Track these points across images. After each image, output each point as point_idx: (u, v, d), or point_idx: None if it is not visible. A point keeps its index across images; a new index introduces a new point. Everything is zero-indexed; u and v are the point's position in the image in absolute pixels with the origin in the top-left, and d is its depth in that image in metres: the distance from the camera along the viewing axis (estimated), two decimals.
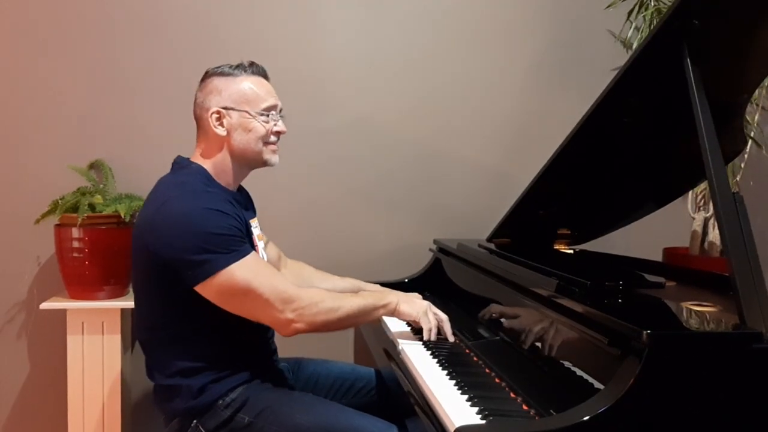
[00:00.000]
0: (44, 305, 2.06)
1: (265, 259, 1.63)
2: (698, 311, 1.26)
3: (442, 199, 2.47)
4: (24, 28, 2.23)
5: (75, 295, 2.09)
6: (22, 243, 2.24)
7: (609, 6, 2.34)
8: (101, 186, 2.20)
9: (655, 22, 2.19)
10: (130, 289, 2.20)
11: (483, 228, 2.12)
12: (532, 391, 1.26)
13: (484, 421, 1.13)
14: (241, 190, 1.64)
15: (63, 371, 2.10)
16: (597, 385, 1.13)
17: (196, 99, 1.55)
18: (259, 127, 1.51)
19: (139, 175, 2.26)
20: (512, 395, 1.28)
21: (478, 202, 2.47)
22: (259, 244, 1.61)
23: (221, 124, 1.50)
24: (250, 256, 1.40)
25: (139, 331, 1.55)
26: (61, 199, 2.09)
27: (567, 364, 1.24)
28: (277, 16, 2.35)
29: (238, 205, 1.52)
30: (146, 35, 2.28)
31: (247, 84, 1.52)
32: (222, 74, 1.52)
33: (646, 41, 1.30)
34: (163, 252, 1.37)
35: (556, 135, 1.67)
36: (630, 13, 2.31)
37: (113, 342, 2.08)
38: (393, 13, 2.40)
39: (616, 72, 1.39)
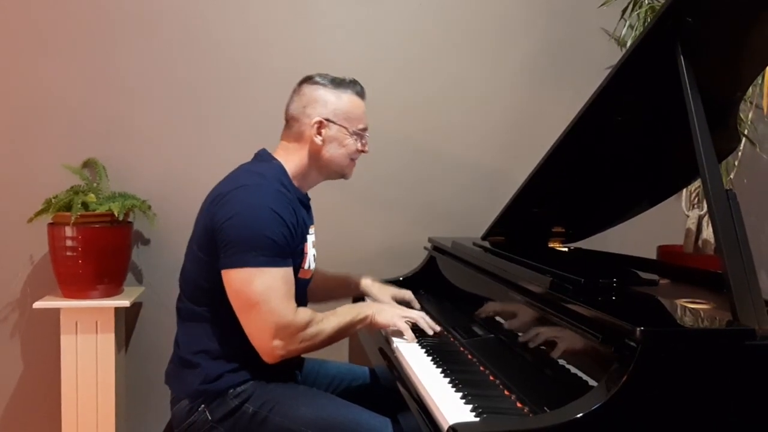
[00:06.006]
0: (38, 304, 2.06)
1: (312, 267, 1.66)
2: (692, 308, 1.26)
3: (436, 197, 2.47)
4: (18, 28, 2.22)
5: (68, 294, 2.09)
6: (15, 242, 2.24)
7: (603, 4, 2.34)
8: (95, 185, 2.19)
9: (649, 19, 2.19)
10: (124, 288, 2.20)
11: (478, 226, 2.12)
12: (526, 388, 1.26)
13: (477, 419, 1.13)
14: (307, 196, 1.68)
15: (57, 370, 2.09)
16: (591, 382, 1.13)
17: (293, 101, 1.60)
18: (352, 144, 1.61)
19: (132, 174, 2.26)
20: (506, 393, 1.28)
21: (472, 200, 2.47)
22: (311, 251, 1.64)
23: (319, 134, 1.56)
24: (278, 272, 1.42)
25: (180, 299, 1.58)
26: (54, 197, 2.09)
27: (561, 361, 1.24)
28: (274, 16, 2.34)
29: (303, 209, 1.58)
30: (140, 34, 2.28)
31: (350, 102, 1.60)
32: (326, 86, 1.59)
33: (639, 39, 1.30)
34: (217, 226, 1.43)
35: (550, 133, 1.67)
36: (624, 11, 2.31)
37: (107, 341, 2.08)
38: (387, 12, 2.40)
39: (610, 70, 1.39)
